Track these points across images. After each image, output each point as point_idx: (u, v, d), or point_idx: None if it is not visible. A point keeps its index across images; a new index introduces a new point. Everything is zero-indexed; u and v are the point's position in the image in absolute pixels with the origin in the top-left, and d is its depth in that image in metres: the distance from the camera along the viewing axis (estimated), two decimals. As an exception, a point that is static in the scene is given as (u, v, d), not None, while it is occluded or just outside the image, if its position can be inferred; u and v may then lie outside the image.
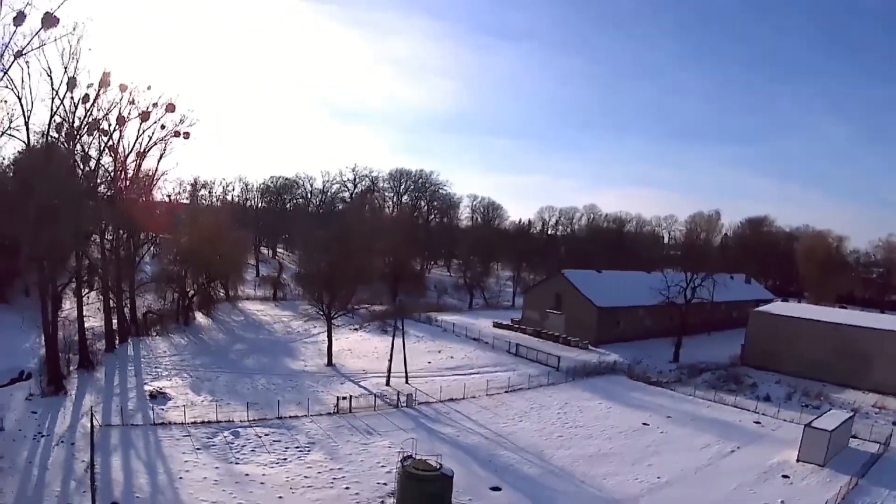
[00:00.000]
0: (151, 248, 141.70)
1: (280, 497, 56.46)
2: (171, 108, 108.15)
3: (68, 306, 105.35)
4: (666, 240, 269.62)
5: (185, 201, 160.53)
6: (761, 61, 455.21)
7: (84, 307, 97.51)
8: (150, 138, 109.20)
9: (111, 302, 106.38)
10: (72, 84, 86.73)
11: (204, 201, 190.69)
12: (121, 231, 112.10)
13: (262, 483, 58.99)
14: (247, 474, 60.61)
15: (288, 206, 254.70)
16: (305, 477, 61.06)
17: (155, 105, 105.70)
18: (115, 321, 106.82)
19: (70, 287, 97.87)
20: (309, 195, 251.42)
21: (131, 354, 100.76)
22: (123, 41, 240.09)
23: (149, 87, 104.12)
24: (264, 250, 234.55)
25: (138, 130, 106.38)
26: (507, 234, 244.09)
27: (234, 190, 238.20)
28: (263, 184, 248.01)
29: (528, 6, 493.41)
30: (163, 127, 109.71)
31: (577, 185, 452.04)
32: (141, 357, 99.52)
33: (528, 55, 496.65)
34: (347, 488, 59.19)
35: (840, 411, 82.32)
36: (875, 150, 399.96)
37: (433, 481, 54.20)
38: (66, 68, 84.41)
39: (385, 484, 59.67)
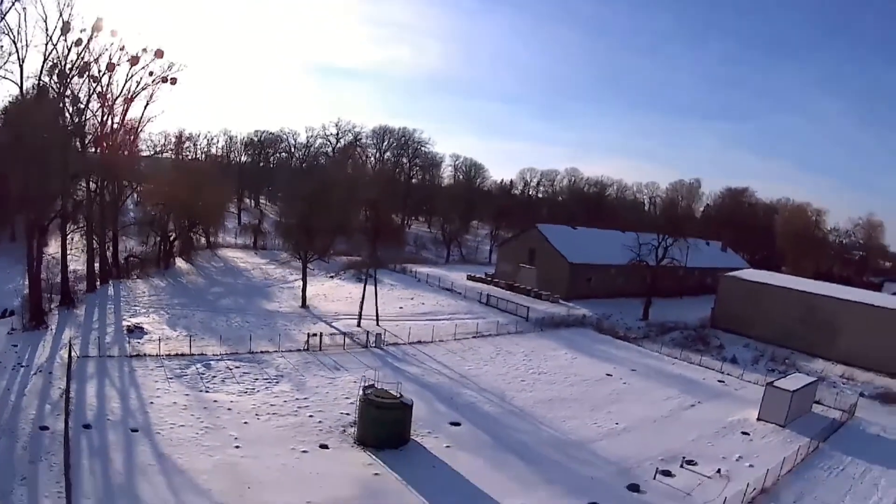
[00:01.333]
0: (135, 194, 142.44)
1: (245, 422, 58.42)
2: (159, 53, 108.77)
3: (53, 249, 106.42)
4: (647, 206, 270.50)
5: (169, 153, 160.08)
6: (756, 37, 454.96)
7: (68, 249, 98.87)
8: (139, 83, 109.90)
9: (94, 244, 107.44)
10: (66, 28, 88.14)
11: (188, 153, 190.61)
12: (105, 177, 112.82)
13: (229, 409, 60.98)
14: (215, 401, 62.63)
15: (271, 160, 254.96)
16: (271, 405, 63.16)
17: (144, 50, 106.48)
18: (97, 264, 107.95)
19: (55, 226, 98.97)
20: (292, 149, 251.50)
21: (111, 294, 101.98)
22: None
23: (139, 34, 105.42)
24: (247, 200, 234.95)
25: (127, 75, 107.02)
26: (488, 193, 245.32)
27: (218, 143, 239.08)
28: (247, 137, 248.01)
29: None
30: (151, 74, 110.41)
31: (563, 152, 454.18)
32: (121, 297, 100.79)
33: (521, 22, 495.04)
34: (311, 416, 61.36)
35: (804, 375, 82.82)
36: (865, 130, 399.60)
37: (393, 409, 56.58)
38: (60, 13, 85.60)
39: (347, 414, 61.64)
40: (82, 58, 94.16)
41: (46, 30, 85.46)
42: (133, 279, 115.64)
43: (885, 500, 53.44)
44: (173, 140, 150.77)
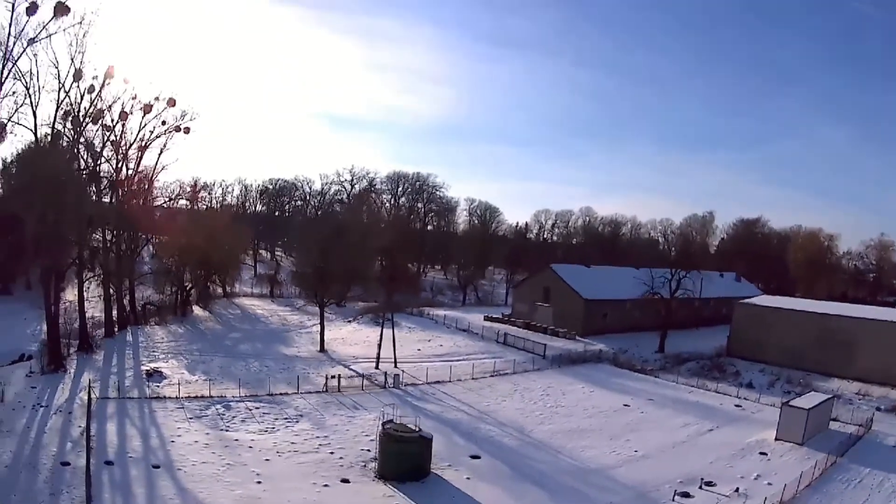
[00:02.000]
0: (150, 246, 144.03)
1: (267, 459, 58.99)
2: (171, 102, 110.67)
3: (70, 296, 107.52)
4: (661, 244, 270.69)
5: (185, 202, 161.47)
6: (763, 66, 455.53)
7: (85, 295, 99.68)
8: (152, 132, 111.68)
9: (111, 291, 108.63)
10: (78, 75, 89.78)
11: (203, 203, 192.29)
12: (121, 227, 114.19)
13: (250, 447, 61.66)
14: (236, 440, 63.42)
15: (286, 208, 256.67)
16: (292, 443, 63.79)
17: (157, 99, 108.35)
18: (114, 311, 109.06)
19: (72, 272, 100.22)
20: (307, 197, 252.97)
21: (129, 340, 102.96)
22: (124, 39, 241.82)
23: (150, 83, 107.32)
24: (263, 252, 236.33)
25: (140, 124, 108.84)
26: (503, 238, 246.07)
27: (233, 192, 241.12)
28: (262, 186, 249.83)
29: (530, 12, 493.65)
30: (164, 123, 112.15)
31: (577, 192, 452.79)
32: (139, 343, 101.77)
33: (530, 63, 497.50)
34: (332, 453, 61.86)
35: (819, 394, 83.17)
36: (871, 154, 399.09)
37: (412, 442, 57.24)
38: (72, 59, 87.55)
39: (368, 450, 61.94)
40: (95, 105, 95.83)
41: (58, 76, 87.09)
42: (151, 326, 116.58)
43: None
44: (188, 189, 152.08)
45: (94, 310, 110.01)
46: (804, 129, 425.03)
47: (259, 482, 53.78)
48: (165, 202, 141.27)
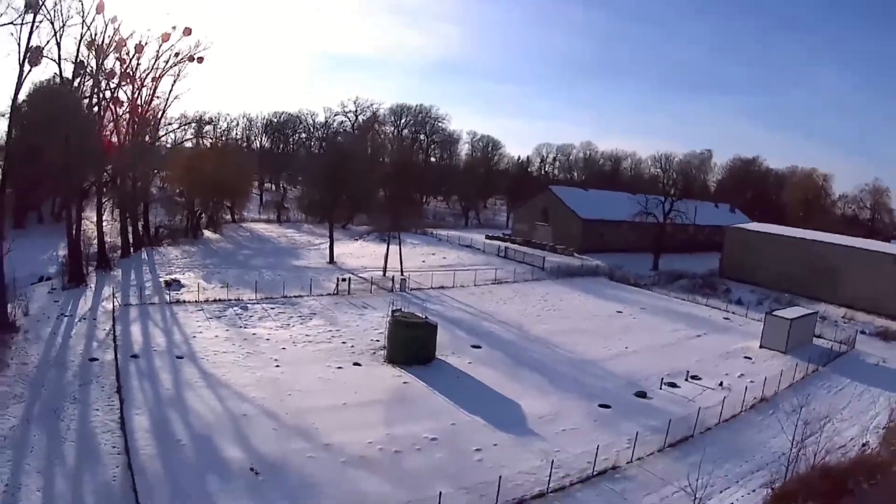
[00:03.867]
0: (159, 180, 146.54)
1: (283, 349, 63.71)
2: (187, 31, 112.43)
3: (85, 225, 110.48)
4: (661, 177, 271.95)
5: (191, 138, 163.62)
6: (767, 12, 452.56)
7: (101, 217, 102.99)
8: (167, 62, 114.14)
9: (126, 215, 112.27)
10: (100, 7, 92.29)
11: (209, 137, 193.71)
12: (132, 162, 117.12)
13: (267, 339, 66.33)
14: (254, 333, 68.04)
15: (291, 141, 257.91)
16: (307, 335, 68.61)
17: (174, 28, 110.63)
18: (129, 234, 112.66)
19: (90, 195, 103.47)
20: (311, 130, 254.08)
21: (145, 259, 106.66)
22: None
23: (167, 14, 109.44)
24: (268, 184, 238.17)
25: (157, 52, 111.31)
26: (505, 172, 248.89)
27: (238, 126, 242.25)
28: (266, 119, 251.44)
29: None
30: (177, 54, 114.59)
31: (578, 131, 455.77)
32: (154, 260, 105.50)
33: (534, 2, 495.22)
34: (344, 342, 66.73)
35: (803, 308, 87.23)
36: (874, 101, 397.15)
37: (419, 327, 62.34)
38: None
39: (377, 341, 66.78)
40: (117, 34, 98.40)
41: (82, 8, 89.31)
42: (164, 246, 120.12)
43: (881, 414, 56.59)
44: (193, 125, 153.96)
45: (109, 236, 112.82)
46: (808, 76, 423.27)
47: (277, 366, 58.45)
48: (173, 139, 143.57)
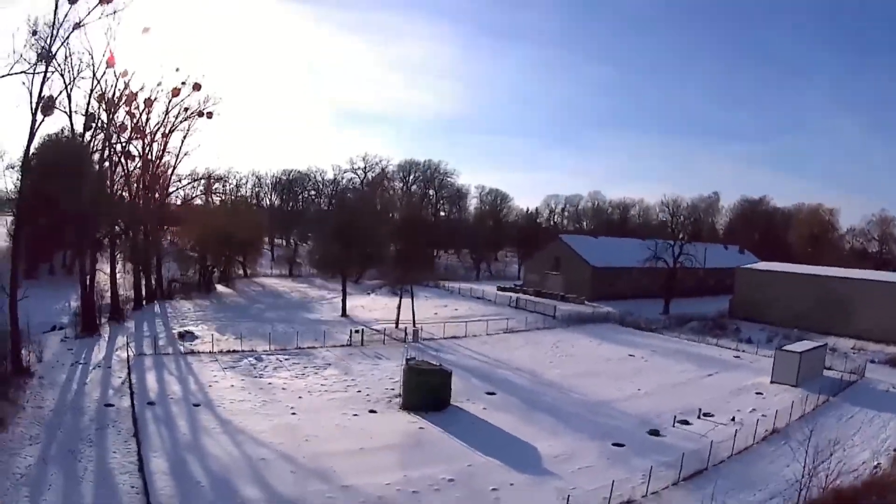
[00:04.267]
0: (169, 236, 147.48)
1: (300, 397, 64.40)
2: (197, 87, 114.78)
3: (98, 277, 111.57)
4: (669, 222, 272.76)
5: (200, 194, 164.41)
6: (772, 58, 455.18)
7: (115, 267, 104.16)
8: (177, 117, 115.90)
9: (139, 268, 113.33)
10: (111, 61, 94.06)
11: (218, 194, 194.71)
12: (143, 218, 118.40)
13: (283, 388, 67.17)
14: (270, 383, 68.84)
15: (300, 198, 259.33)
16: (322, 385, 69.37)
17: (183, 83, 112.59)
18: (142, 287, 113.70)
19: (104, 247, 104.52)
20: (321, 186, 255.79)
21: (158, 311, 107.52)
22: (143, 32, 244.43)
23: (177, 69, 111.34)
24: (278, 240, 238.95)
25: (167, 107, 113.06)
26: (514, 224, 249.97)
27: (247, 183, 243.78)
28: (275, 177, 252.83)
29: (536, 5, 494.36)
30: (186, 109, 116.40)
31: (584, 182, 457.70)
32: (167, 313, 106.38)
33: (535, 56, 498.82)
34: (359, 391, 67.41)
35: (812, 342, 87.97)
36: (880, 143, 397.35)
37: (434, 374, 63.24)
38: (108, 45, 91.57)
39: (392, 389, 67.36)
40: (127, 87, 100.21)
41: (92, 62, 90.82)
42: (177, 300, 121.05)
43: (892, 437, 57.07)
44: (203, 181, 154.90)
45: (122, 288, 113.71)
46: (812, 120, 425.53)
47: (294, 413, 59.13)
48: (183, 195, 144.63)
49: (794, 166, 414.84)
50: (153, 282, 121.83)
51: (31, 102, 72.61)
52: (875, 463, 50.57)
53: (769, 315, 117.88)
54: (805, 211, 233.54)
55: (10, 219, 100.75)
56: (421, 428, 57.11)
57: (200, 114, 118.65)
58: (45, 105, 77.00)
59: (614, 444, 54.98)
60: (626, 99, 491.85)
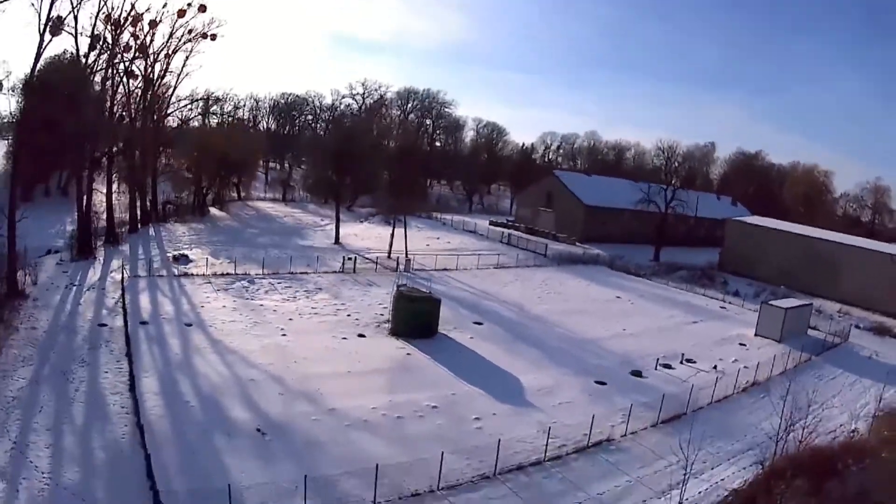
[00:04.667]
0: (164, 157, 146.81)
1: (290, 319, 65.55)
2: (202, 8, 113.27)
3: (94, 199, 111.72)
4: (663, 167, 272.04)
5: (197, 117, 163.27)
6: (778, 8, 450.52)
7: (110, 192, 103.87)
8: (180, 39, 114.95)
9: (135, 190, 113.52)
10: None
11: (216, 116, 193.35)
12: (147, 122, 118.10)
13: (274, 310, 68.18)
14: (261, 305, 69.85)
15: (297, 122, 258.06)
16: (312, 308, 70.58)
17: (189, 5, 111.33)
18: (137, 210, 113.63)
19: (101, 167, 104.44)
20: (318, 111, 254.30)
21: (153, 234, 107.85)
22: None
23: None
24: (273, 164, 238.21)
25: (171, 28, 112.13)
26: (509, 159, 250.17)
27: (244, 106, 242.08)
28: (273, 100, 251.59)
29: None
30: (190, 31, 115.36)
31: (583, 122, 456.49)
32: (162, 236, 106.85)
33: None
34: (349, 315, 68.72)
35: (798, 299, 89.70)
36: (886, 112, 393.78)
37: (423, 300, 64.55)
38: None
39: (381, 315, 68.56)
40: (134, 7, 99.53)
41: None
42: (171, 223, 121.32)
43: (871, 404, 57.35)
44: (201, 102, 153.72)
45: (117, 211, 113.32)
46: (818, 77, 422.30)
47: (284, 335, 60.31)
48: (181, 116, 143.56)
49: (793, 123, 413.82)
50: (148, 204, 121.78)
51: (38, 23, 72.46)
52: (853, 427, 51.53)
53: (758, 270, 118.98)
54: (800, 170, 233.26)
55: (8, 141, 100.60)
56: (408, 354, 58.51)
57: (204, 35, 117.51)
58: (54, 25, 76.94)
59: (597, 382, 56.43)
60: (630, 41, 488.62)
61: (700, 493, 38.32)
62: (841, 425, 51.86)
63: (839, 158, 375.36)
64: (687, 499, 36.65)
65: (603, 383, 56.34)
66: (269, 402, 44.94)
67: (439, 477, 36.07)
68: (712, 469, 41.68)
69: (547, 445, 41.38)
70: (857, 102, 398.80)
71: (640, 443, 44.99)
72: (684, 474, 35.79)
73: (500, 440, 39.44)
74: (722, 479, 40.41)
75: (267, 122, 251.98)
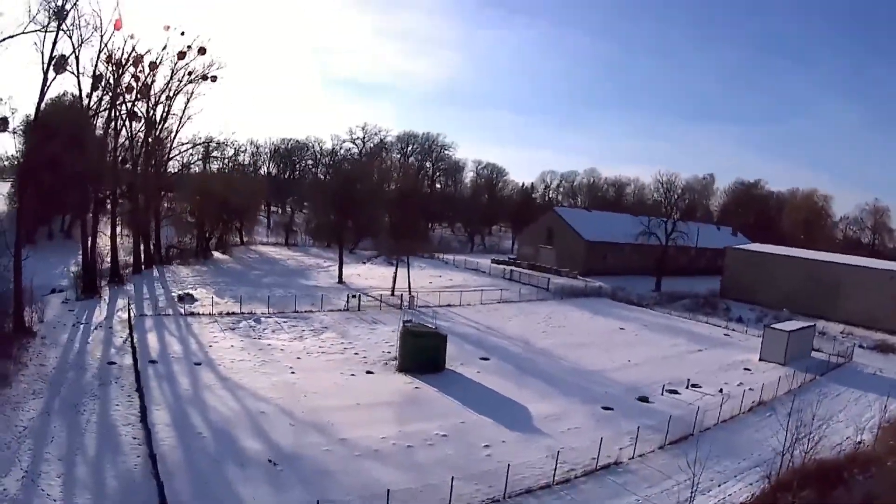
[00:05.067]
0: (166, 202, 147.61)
1: (298, 358, 66.07)
2: (202, 50, 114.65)
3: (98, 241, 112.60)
4: (663, 199, 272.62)
5: (198, 162, 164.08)
6: (773, 42, 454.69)
7: (115, 232, 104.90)
8: (180, 81, 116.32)
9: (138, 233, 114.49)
10: (118, 24, 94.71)
11: (216, 161, 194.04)
12: (150, 166, 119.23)
13: (282, 349, 68.71)
14: (269, 344, 70.35)
15: (297, 167, 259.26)
16: (320, 347, 71.06)
17: (189, 47, 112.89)
18: (141, 252, 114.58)
19: (105, 212, 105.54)
20: (318, 156, 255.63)
21: (157, 276, 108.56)
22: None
23: (182, 33, 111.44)
24: (274, 208, 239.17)
25: (172, 70, 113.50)
26: (509, 199, 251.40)
27: (245, 151, 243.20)
28: (274, 145, 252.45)
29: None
30: (190, 73, 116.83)
31: (581, 160, 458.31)
32: (166, 277, 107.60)
33: (538, 31, 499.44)
34: (356, 353, 69.20)
35: (801, 322, 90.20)
36: (881, 138, 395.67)
37: (429, 336, 65.13)
38: (115, 8, 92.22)
39: (388, 352, 69.23)
40: (135, 49, 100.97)
41: (100, 24, 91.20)
42: (175, 265, 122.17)
43: (876, 417, 57.67)
44: (202, 146, 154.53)
45: (120, 253, 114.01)
46: (813, 107, 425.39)
47: (293, 372, 60.85)
48: (182, 162, 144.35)
49: (791, 153, 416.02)
50: (151, 247, 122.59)
51: (42, 62, 73.69)
52: (858, 439, 51.78)
53: (759, 296, 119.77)
54: (799, 196, 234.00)
55: (9, 183, 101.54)
56: (416, 388, 59.11)
57: (205, 77, 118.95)
58: (58, 63, 78.16)
59: (603, 408, 57.05)
60: (627, 79, 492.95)
61: (710, 511, 38.52)
62: (847, 438, 52.22)
63: (837, 183, 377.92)
64: (695, 516, 36.80)
65: (610, 409, 56.98)
66: (280, 434, 45.55)
67: (450, 501, 36.59)
68: (719, 486, 42.00)
69: (556, 469, 41.87)
70: (852, 130, 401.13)
71: (647, 464, 45.48)
72: (691, 491, 36.29)
73: (509, 465, 39.93)
74: (729, 495, 40.84)
75: (267, 168, 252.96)
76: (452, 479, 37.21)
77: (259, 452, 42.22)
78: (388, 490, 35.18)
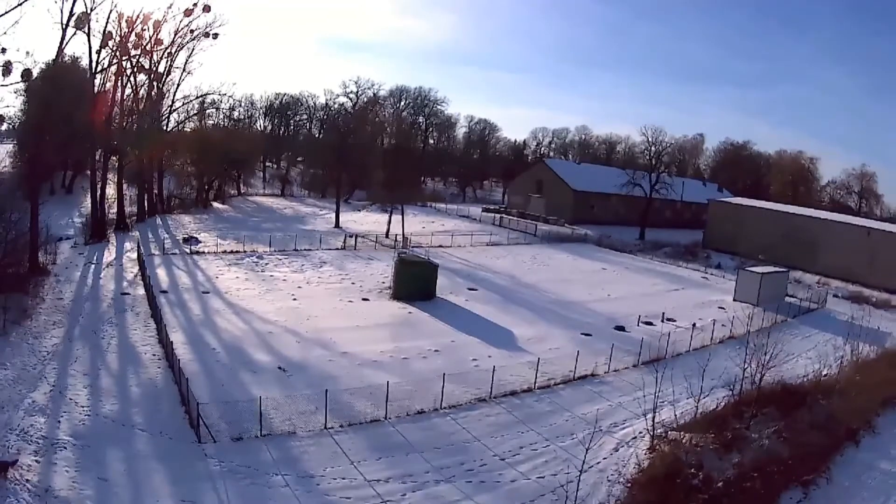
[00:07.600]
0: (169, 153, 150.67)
1: (299, 287, 71.41)
2: (207, 8, 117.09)
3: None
4: (650, 150, 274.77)
5: (194, 114, 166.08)
6: (772, 6, 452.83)
7: (107, 189, 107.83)
8: (184, 37, 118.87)
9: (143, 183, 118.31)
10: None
11: (212, 117, 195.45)
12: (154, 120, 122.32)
13: (284, 280, 74.21)
14: (271, 276, 75.74)
15: (291, 123, 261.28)
16: (319, 277, 76.74)
17: (195, 5, 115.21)
18: (144, 200, 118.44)
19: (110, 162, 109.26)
20: (312, 111, 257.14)
21: (160, 223, 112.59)
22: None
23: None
24: (269, 164, 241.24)
25: (177, 26, 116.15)
26: (501, 157, 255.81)
27: (240, 107, 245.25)
28: (268, 101, 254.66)
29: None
30: (192, 31, 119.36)
31: (574, 119, 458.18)
32: (169, 224, 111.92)
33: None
34: (353, 283, 74.65)
35: (775, 267, 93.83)
36: (879, 101, 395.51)
37: (422, 266, 70.46)
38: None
39: (383, 283, 74.59)
40: (142, 10, 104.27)
41: None
42: (176, 214, 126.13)
43: (846, 357, 59.89)
44: (200, 101, 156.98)
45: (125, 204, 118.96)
46: (810, 73, 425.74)
47: (295, 299, 66.05)
48: (177, 117, 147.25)
49: (781, 117, 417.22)
50: (154, 197, 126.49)
51: (61, 19, 77.71)
52: (825, 372, 55.06)
53: (740, 247, 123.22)
54: (786, 158, 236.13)
55: (13, 142, 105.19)
56: (410, 312, 64.37)
57: (207, 34, 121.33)
58: (79, 19, 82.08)
59: (583, 334, 61.96)
60: (622, 39, 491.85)
61: (676, 415, 42.97)
62: (812, 371, 55.47)
63: (827, 148, 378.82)
64: (663, 419, 41.50)
65: (588, 335, 61.77)
66: (288, 348, 50.64)
67: (441, 398, 41.71)
68: (687, 399, 45.67)
69: (536, 376, 46.95)
70: (845, 95, 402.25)
71: (621, 378, 50.51)
72: (655, 390, 40.82)
73: (494, 367, 45.23)
74: (697, 406, 44.46)
75: (262, 123, 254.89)
76: (444, 375, 42.24)
77: (269, 363, 47.22)
78: (388, 382, 40.38)
